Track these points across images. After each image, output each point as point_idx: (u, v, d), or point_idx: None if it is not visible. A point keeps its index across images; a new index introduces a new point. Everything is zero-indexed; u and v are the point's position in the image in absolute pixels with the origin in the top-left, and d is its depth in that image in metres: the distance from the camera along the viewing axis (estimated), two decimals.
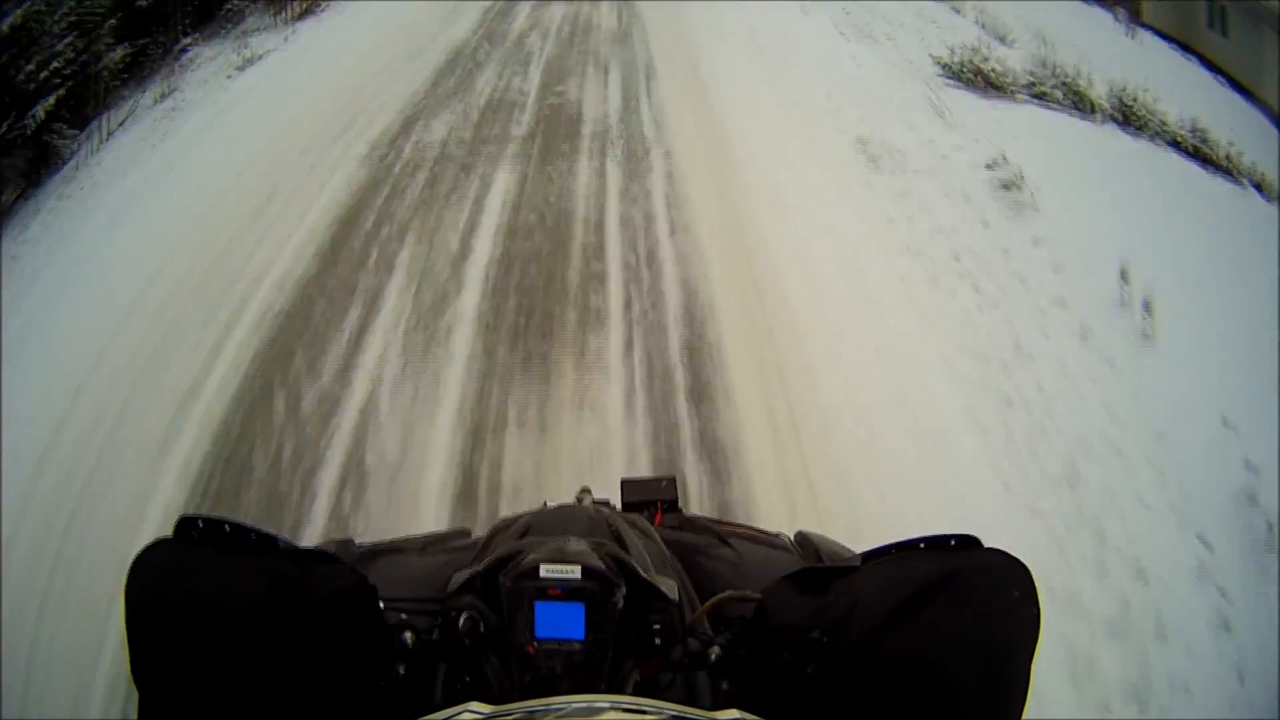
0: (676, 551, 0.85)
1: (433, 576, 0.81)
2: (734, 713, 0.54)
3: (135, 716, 0.53)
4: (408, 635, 0.61)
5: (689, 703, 0.67)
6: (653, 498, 1.12)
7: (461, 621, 0.59)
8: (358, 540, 0.92)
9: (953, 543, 0.56)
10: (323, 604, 0.56)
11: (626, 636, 0.60)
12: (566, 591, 0.60)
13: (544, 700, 0.53)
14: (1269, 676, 2.07)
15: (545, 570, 0.60)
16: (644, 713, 0.52)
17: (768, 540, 0.94)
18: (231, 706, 0.52)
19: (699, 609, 0.66)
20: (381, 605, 0.62)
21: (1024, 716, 0.52)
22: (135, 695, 0.53)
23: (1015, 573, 0.53)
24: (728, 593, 0.65)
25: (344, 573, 0.60)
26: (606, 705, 0.52)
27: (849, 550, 0.84)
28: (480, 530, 1.00)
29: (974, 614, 0.52)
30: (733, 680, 0.61)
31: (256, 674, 0.52)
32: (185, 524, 0.56)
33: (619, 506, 1.11)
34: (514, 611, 0.60)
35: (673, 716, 0.52)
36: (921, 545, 0.57)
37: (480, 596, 0.61)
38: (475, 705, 0.53)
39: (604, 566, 0.61)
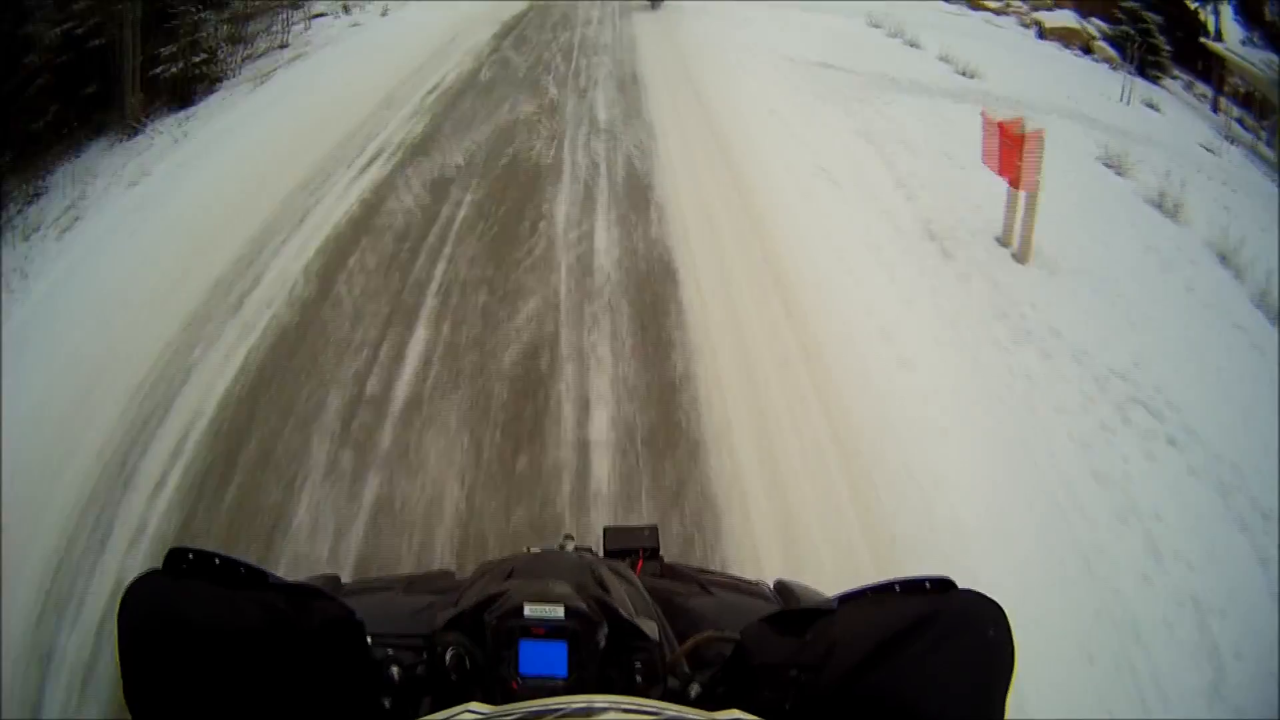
0: (658, 598, 0.86)
1: (417, 615, 0.82)
2: (734, 713, 0.55)
3: None
4: (394, 669, 0.62)
5: None
6: (634, 545, 1.13)
7: (448, 657, 0.60)
8: (343, 578, 0.92)
9: (928, 585, 0.58)
10: (313, 637, 0.57)
11: (608, 675, 0.62)
12: (550, 630, 0.61)
13: (544, 701, 0.54)
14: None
15: (529, 609, 0.62)
16: (643, 713, 0.53)
17: (748, 589, 0.95)
18: None
19: (679, 649, 0.67)
20: (369, 640, 0.63)
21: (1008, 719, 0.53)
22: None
23: (990, 612, 0.55)
24: (707, 633, 0.66)
25: (333, 607, 0.61)
26: (606, 705, 0.53)
27: (828, 598, 0.86)
28: (462, 574, 1.00)
29: (952, 653, 0.53)
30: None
31: (250, 703, 0.53)
32: (175, 556, 0.57)
33: (601, 554, 1.11)
34: (499, 649, 0.61)
35: (671, 718, 0.53)
36: (897, 588, 0.59)
37: (466, 634, 0.63)
38: (475, 705, 0.54)
39: (586, 607, 0.63)
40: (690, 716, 0.54)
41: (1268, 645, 2.20)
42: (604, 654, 0.62)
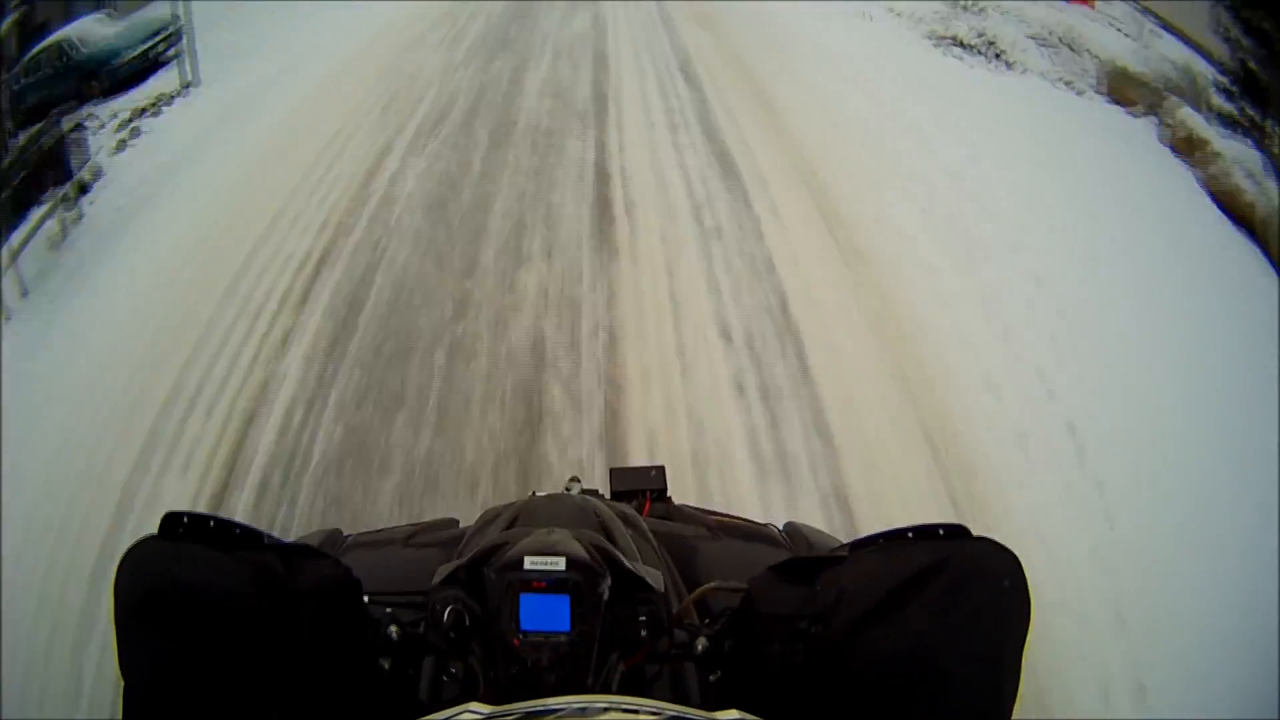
0: (664, 542, 0.84)
1: (419, 568, 0.80)
2: (734, 713, 0.53)
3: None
4: (393, 629, 0.61)
5: (677, 693, 0.66)
6: (641, 487, 1.12)
7: (446, 615, 0.59)
8: (345, 531, 0.92)
9: (941, 532, 0.55)
10: (307, 597, 0.56)
11: (612, 628, 0.60)
12: (551, 584, 0.59)
13: (543, 701, 0.53)
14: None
15: (529, 562, 0.60)
16: (644, 712, 0.52)
17: (756, 531, 0.94)
18: (216, 697, 0.52)
19: (685, 600, 0.65)
20: (366, 599, 0.61)
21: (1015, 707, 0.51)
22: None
23: (1004, 562, 0.53)
24: (713, 584, 0.64)
25: (328, 567, 0.59)
26: (606, 705, 0.52)
27: (839, 542, 0.84)
28: (466, 521, 0.99)
29: (964, 603, 0.51)
30: (721, 671, 0.61)
31: (242, 665, 0.53)
32: (171, 520, 0.56)
33: (608, 496, 1.11)
34: (499, 604, 0.59)
35: (672, 717, 0.51)
36: (910, 535, 0.56)
37: (465, 588, 0.60)
38: (475, 705, 0.52)
39: (588, 557, 0.60)
40: (691, 715, 0.52)
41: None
42: (608, 606, 0.59)
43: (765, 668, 0.56)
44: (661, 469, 1.14)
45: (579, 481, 1.15)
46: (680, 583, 0.78)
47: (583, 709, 0.52)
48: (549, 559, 0.59)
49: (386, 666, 0.60)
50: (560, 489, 1.10)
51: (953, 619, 0.51)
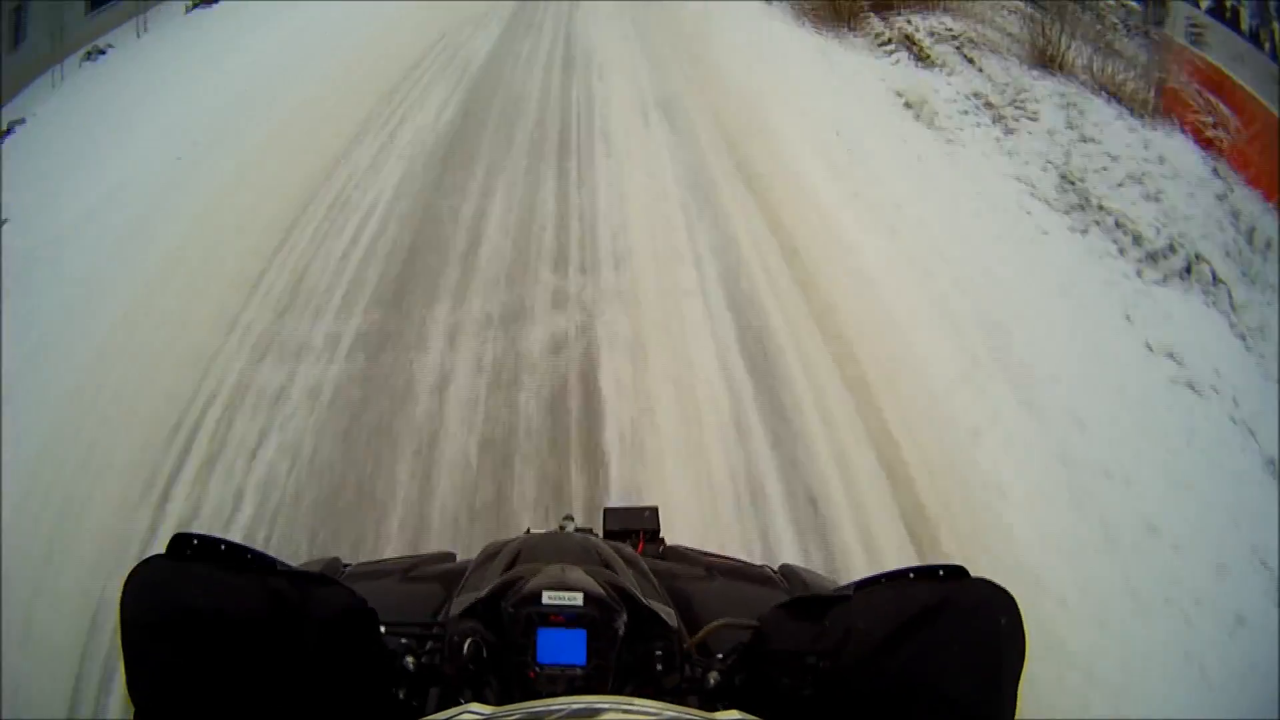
0: (661, 581, 0.85)
1: (420, 601, 0.81)
2: (734, 713, 0.55)
3: None
4: (409, 660, 0.61)
5: None
6: (635, 527, 1.12)
7: (466, 646, 0.59)
8: (344, 560, 0.91)
9: (941, 573, 0.58)
10: (324, 625, 0.56)
11: (626, 662, 0.61)
12: (569, 618, 0.61)
13: (544, 701, 0.54)
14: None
15: (548, 597, 0.61)
16: (643, 713, 0.53)
17: (752, 573, 0.95)
18: None
19: (693, 636, 0.67)
20: (382, 629, 0.62)
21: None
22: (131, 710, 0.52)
23: (1002, 601, 0.56)
24: (724, 620, 0.66)
25: (344, 595, 0.60)
26: (606, 706, 0.53)
27: (834, 583, 0.86)
28: (464, 555, 0.99)
29: (965, 639, 0.54)
30: (731, 704, 0.62)
31: (254, 692, 0.52)
32: (180, 541, 0.56)
33: (600, 535, 1.10)
34: (516, 637, 0.61)
35: (672, 718, 0.53)
36: (911, 575, 0.59)
37: (482, 622, 0.62)
38: (475, 706, 0.53)
39: (605, 593, 0.62)
40: (691, 716, 0.54)
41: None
42: (622, 640, 0.61)
43: (776, 701, 0.58)
44: (655, 510, 1.15)
45: (572, 520, 1.15)
46: (680, 621, 0.78)
47: (583, 709, 0.53)
48: (567, 594, 0.61)
49: (401, 696, 0.61)
50: (554, 528, 1.10)
51: (955, 653, 0.54)
